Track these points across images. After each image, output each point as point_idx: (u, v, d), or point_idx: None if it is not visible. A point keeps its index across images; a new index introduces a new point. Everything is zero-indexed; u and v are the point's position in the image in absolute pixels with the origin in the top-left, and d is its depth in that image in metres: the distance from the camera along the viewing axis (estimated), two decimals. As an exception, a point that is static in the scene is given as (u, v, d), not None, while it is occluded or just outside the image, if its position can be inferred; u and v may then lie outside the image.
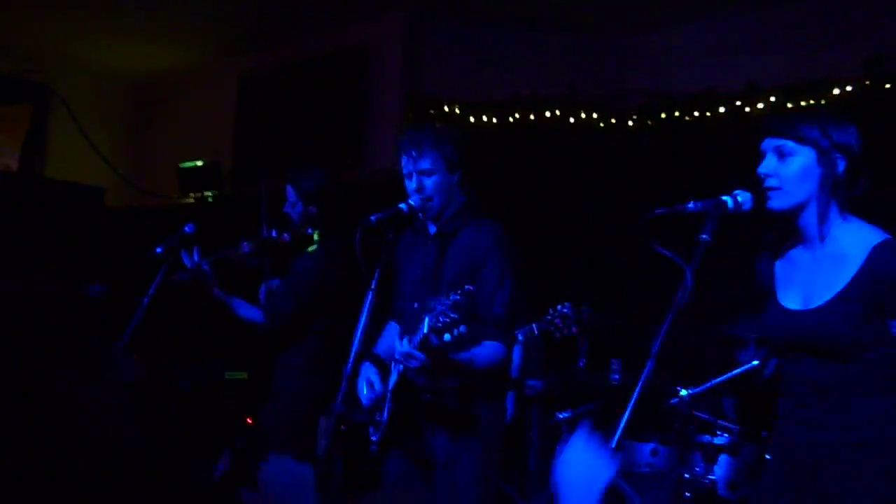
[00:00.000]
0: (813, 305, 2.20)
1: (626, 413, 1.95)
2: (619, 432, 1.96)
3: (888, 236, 2.15)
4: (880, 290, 2.09)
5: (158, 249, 3.53)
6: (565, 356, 4.58)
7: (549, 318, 4.04)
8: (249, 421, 4.80)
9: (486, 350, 2.69)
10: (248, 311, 3.63)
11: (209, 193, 6.70)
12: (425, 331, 2.39)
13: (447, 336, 2.35)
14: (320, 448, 2.65)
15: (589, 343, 4.53)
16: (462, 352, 2.58)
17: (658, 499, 4.01)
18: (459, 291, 2.33)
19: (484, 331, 2.64)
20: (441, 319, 2.34)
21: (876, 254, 2.11)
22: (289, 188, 3.77)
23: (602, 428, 4.24)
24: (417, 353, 2.44)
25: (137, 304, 3.43)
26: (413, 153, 2.77)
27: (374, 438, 2.76)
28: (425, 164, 2.78)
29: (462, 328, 2.34)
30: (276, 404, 3.68)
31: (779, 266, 2.35)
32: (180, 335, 5.47)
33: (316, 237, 3.72)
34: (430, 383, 2.72)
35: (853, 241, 2.17)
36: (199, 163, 6.76)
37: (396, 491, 2.86)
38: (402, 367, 2.61)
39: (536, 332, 4.05)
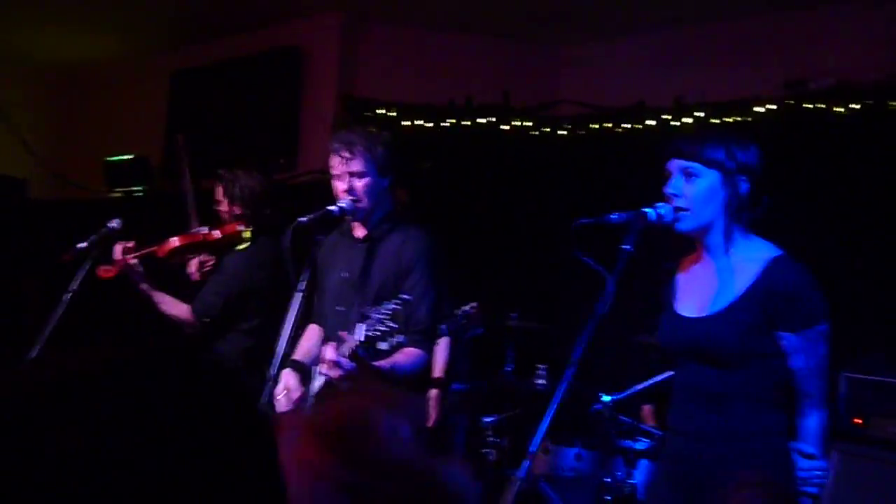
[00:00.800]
0: (706, 314, 2.27)
1: (546, 417, 1.95)
2: (538, 436, 1.97)
3: (783, 252, 2.23)
4: (772, 303, 2.16)
5: (82, 244, 3.46)
6: (493, 361, 4.63)
7: (458, 316, 4.04)
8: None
9: (409, 357, 2.70)
10: (174, 308, 3.58)
11: (138, 188, 6.56)
12: (361, 338, 2.38)
13: (384, 345, 2.36)
14: None
15: (516, 348, 4.59)
16: (385, 359, 2.59)
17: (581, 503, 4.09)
18: (396, 301, 2.34)
19: (409, 338, 2.65)
20: (378, 328, 2.33)
21: (771, 266, 2.18)
22: (217, 187, 3.75)
23: (526, 432, 4.32)
24: (344, 362, 2.43)
25: (60, 298, 3.35)
26: (345, 154, 2.77)
27: None
28: (356, 166, 2.77)
29: (400, 338, 2.35)
30: None
31: (680, 277, 2.43)
32: (101, 330, 5.35)
33: (247, 235, 3.69)
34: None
35: (751, 255, 2.24)
36: (127, 157, 6.62)
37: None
38: (321, 375, 2.59)
39: (446, 331, 4.05)
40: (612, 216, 2.18)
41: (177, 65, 6.60)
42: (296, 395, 2.73)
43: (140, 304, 3.61)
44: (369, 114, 5.64)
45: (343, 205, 2.78)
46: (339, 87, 5.81)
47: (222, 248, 3.67)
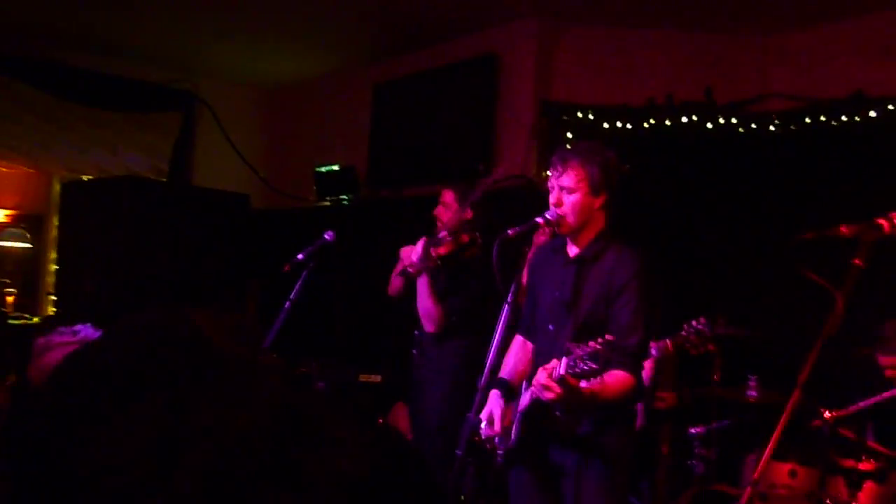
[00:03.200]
0: None
1: (772, 442, 1.85)
2: (763, 462, 1.87)
3: None
4: None
5: (300, 255, 3.67)
6: (699, 370, 4.46)
7: (685, 333, 3.95)
8: (380, 421, 4.94)
9: (618, 381, 2.64)
10: (432, 305, 3.75)
11: (345, 197, 6.89)
12: (562, 372, 2.37)
13: (583, 383, 2.34)
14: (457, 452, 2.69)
15: (724, 357, 4.40)
16: (596, 383, 2.56)
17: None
18: (600, 341, 2.29)
19: (617, 360, 2.60)
20: (580, 366, 2.31)
21: None
22: (447, 191, 3.88)
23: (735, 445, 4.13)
24: (555, 387, 2.43)
25: (281, 307, 3.58)
26: (559, 167, 2.76)
27: (499, 451, 2.78)
28: (567, 181, 2.75)
29: (601, 378, 2.32)
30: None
31: None
32: (321, 338, 5.66)
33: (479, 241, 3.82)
34: (563, 411, 2.70)
35: None
36: (336, 167, 6.97)
37: (524, 486, 2.87)
38: (532, 393, 2.60)
39: (671, 347, 3.98)
40: (839, 229, 2.03)
41: (379, 77, 6.88)
42: (498, 423, 2.76)
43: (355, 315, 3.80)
44: (567, 118, 5.60)
45: (548, 216, 2.77)
46: (536, 92, 5.81)
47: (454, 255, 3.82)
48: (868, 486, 3.48)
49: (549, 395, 2.43)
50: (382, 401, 4.61)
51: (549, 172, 2.82)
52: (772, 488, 3.94)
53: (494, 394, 2.82)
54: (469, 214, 3.80)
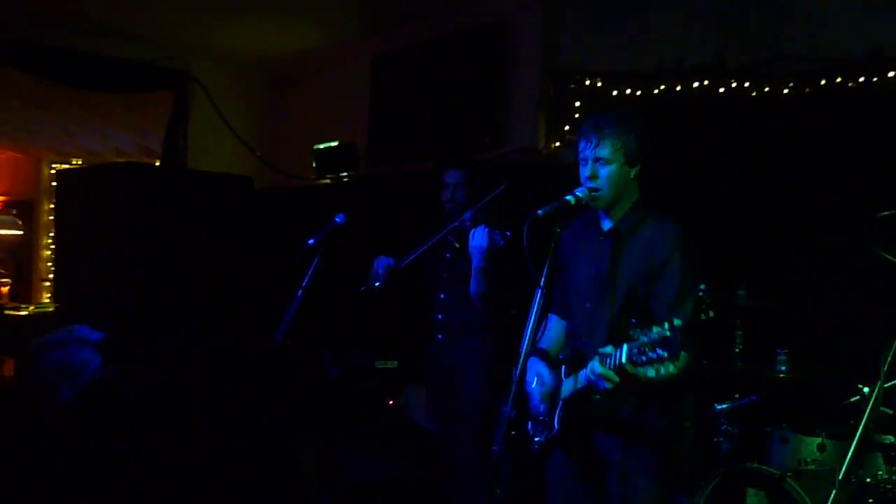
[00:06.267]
0: None
1: (855, 442, 1.71)
2: (846, 463, 1.73)
3: None
4: None
5: (311, 241, 3.53)
6: (719, 343, 4.34)
7: None
8: (391, 403, 4.82)
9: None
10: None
11: (345, 174, 6.72)
12: (622, 361, 2.23)
13: (650, 371, 2.17)
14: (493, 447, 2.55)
15: (745, 329, 4.28)
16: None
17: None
18: (667, 327, 2.13)
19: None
20: (648, 355, 2.15)
21: None
22: (456, 172, 3.75)
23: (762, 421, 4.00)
24: (612, 375, 2.30)
25: (293, 294, 3.44)
26: (594, 138, 2.62)
27: (537, 438, 2.66)
28: (603, 152, 2.61)
29: (670, 367, 2.15)
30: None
31: None
32: (335, 325, 5.52)
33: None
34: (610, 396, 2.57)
35: None
36: (335, 144, 6.79)
37: (561, 494, 2.76)
38: (586, 381, 2.46)
39: None
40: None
41: (377, 50, 6.68)
42: (547, 382, 2.63)
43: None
44: (575, 85, 5.42)
45: (580, 194, 2.63)
46: (542, 60, 5.63)
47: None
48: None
49: (606, 385, 2.31)
50: (396, 386, 4.50)
51: (580, 142, 2.66)
52: (802, 464, 3.84)
53: (534, 360, 2.70)
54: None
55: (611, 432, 2.63)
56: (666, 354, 2.13)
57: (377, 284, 3.87)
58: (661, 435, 2.63)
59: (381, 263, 3.94)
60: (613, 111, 2.75)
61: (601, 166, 2.62)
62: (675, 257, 2.56)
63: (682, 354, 2.46)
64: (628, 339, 2.21)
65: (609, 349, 2.31)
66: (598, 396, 2.50)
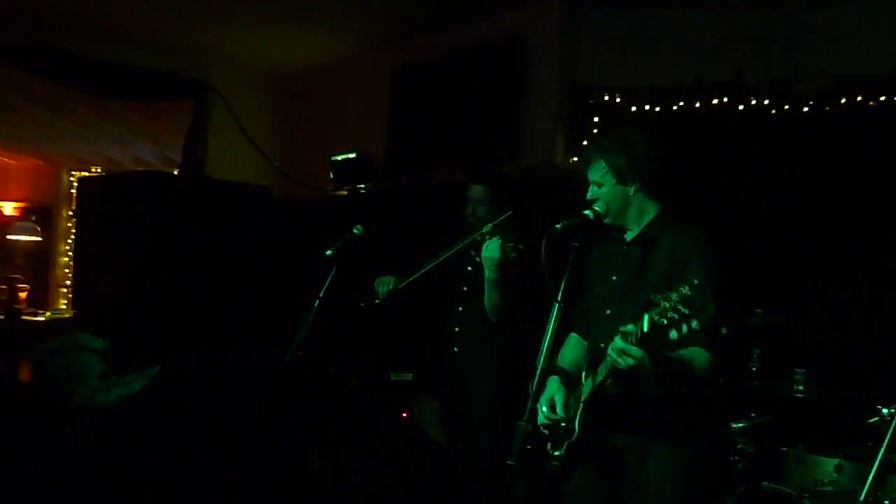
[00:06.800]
0: None
1: (877, 463, 1.70)
2: (867, 486, 1.72)
3: None
4: None
5: (328, 252, 3.54)
6: (736, 361, 4.31)
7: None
8: (405, 415, 4.81)
9: (698, 356, 2.51)
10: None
11: (362, 185, 6.74)
12: (645, 328, 2.21)
13: (673, 333, 2.16)
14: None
15: (763, 348, 4.26)
16: (678, 353, 2.43)
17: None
18: (688, 286, 2.15)
19: (690, 336, 2.44)
20: (669, 315, 2.15)
21: None
22: (479, 187, 3.76)
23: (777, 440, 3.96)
24: (634, 350, 2.29)
25: (310, 305, 3.45)
26: (584, 163, 2.79)
27: (555, 454, 2.63)
28: (594, 176, 2.75)
29: (693, 324, 2.13)
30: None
31: None
32: (350, 336, 5.53)
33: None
34: (632, 390, 2.54)
35: None
36: (352, 155, 6.81)
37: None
38: (607, 370, 2.46)
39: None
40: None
41: (396, 62, 6.71)
42: (561, 408, 2.63)
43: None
44: (593, 101, 5.43)
45: (598, 208, 2.67)
46: (561, 74, 5.63)
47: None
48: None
49: (627, 361, 2.30)
50: (410, 397, 4.50)
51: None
52: (819, 484, 3.81)
53: (553, 380, 2.70)
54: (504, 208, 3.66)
55: (630, 430, 2.60)
56: (688, 311, 2.12)
57: (377, 301, 3.90)
58: (686, 426, 2.60)
59: (382, 282, 3.95)
60: (607, 134, 2.82)
61: (595, 188, 2.74)
62: (697, 259, 2.58)
63: (703, 352, 2.47)
64: (649, 309, 2.21)
65: (630, 327, 2.31)
66: (617, 390, 2.50)
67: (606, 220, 2.73)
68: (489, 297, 3.67)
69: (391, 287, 3.92)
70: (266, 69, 7.72)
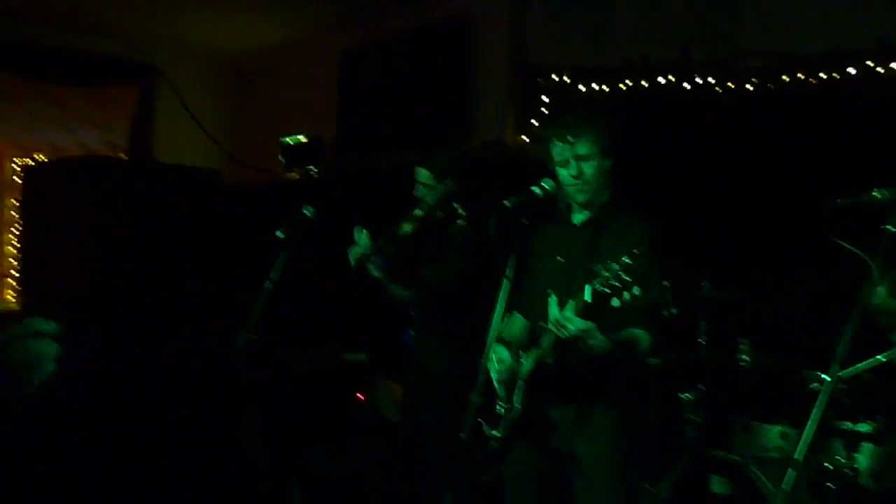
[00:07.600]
0: None
1: (810, 421, 1.77)
2: (802, 442, 1.79)
3: None
4: None
5: (278, 233, 3.52)
6: (684, 334, 4.41)
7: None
8: (361, 397, 4.83)
9: (640, 336, 2.56)
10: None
11: (313, 168, 6.71)
12: (587, 297, 2.25)
13: (615, 301, 2.20)
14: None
15: (709, 321, 4.35)
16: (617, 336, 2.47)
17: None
18: (630, 255, 2.19)
19: (631, 318, 2.50)
20: (611, 282, 2.19)
21: None
22: (423, 171, 3.74)
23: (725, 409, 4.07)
24: (575, 319, 2.32)
25: (261, 287, 3.43)
26: (569, 138, 2.66)
27: (493, 433, 2.66)
28: (583, 150, 2.66)
29: (635, 290, 2.17)
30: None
31: None
32: (303, 318, 5.52)
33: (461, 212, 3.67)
34: (571, 366, 2.59)
35: None
36: (302, 137, 6.77)
37: (519, 493, 2.77)
38: (548, 342, 2.50)
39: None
40: (873, 194, 1.93)
41: (345, 44, 6.67)
42: (505, 366, 2.66)
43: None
44: (542, 80, 5.46)
45: (546, 186, 2.66)
46: (510, 55, 5.66)
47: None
48: (866, 447, 3.47)
49: (565, 331, 2.34)
50: (366, 379, 4.51)
51: (552, 147, 2.70)
52: (764, 451, 3.92)
53: (499, 347, 2.72)
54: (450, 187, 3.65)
55: (570, 402, 2.64)
56: (629, 279, 2.16)
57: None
58: (625, 418, 2.65)
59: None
60: (579, 110, 2.80)
61: (583, 163, 2.67)
62: (645, 244, 2.58)
63: (645, 334, 2.52)
64: (590, 278, 2.25)
65: (572, 303, 2.35)
66: (556, 366, 2.53)
67: (581, 199, 2.72)
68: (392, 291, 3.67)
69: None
70: (213, 51, 7.61)
